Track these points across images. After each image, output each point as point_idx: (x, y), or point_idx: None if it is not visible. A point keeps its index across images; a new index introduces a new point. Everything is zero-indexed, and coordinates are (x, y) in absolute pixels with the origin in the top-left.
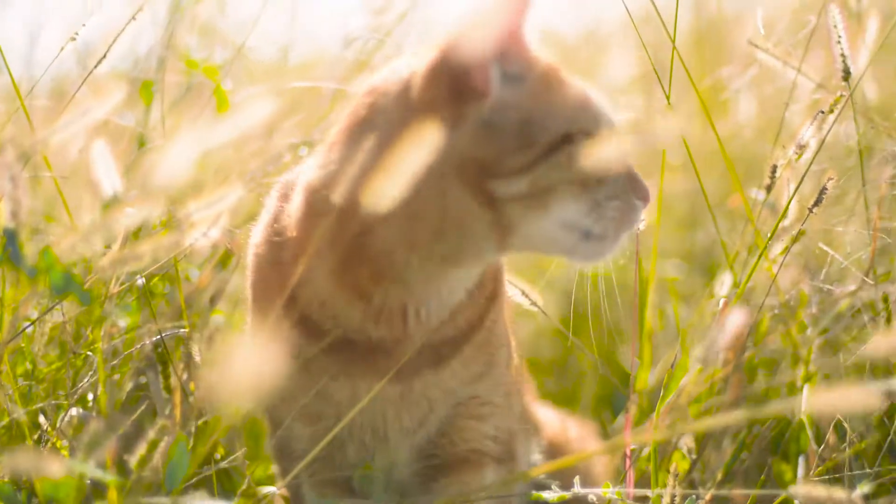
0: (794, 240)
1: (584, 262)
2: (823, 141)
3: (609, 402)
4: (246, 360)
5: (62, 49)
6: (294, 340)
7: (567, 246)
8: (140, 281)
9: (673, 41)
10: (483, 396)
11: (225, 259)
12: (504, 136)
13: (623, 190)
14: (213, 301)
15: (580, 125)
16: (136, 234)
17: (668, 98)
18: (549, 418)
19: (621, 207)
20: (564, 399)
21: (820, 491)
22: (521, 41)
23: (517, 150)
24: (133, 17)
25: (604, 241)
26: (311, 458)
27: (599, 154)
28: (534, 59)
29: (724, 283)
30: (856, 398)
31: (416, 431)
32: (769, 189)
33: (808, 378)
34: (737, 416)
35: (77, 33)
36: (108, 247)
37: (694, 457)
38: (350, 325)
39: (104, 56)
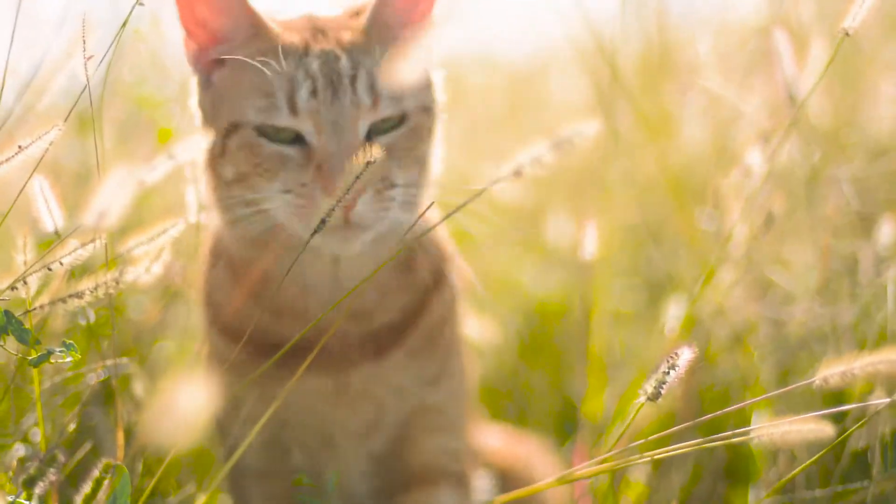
0: (743, 269)
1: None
2: (770, 166)
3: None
4: (188, 391)
5: (1, 88)
6: (245, 357)
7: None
8: (90, 316)
9: (613, 72)
10: (439, 407)
11: (171, 293)
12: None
13: (307, 179)
14: (160, 335)
15: (246, 116)
16: (79, 271)
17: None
18: (502, 440)
19: (297, 198)
20: (521, 420)
21: None
22: None
23: (210, 126)
24: (86, 54)
25: (294, 229)
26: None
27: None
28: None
29: (673, 310)
30: (809, 428)
31: (368, 436)
32: (716, 215)
33: (759, 405)
34: (691, 445)
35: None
36: (48, 284)
37: (647, 484)
38: (269, 326)
39: (44, 91)
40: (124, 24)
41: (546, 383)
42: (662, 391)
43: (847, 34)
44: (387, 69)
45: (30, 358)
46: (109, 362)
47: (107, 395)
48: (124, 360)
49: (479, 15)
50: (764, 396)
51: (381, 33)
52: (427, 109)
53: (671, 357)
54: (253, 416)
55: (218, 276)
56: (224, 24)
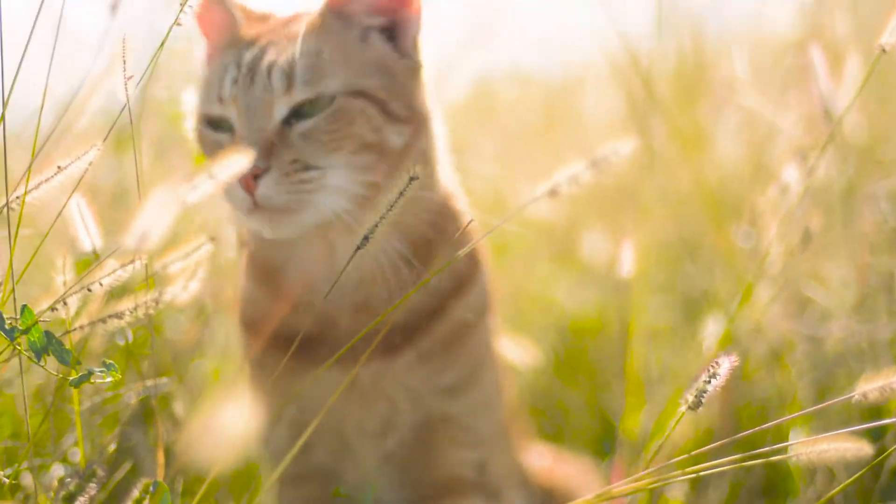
0: (780, 286)
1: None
2: (807, 183)
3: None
4: (227, 411)
5: (41, 107)
6: (266, 352)
7: None
8: (129, 336)
9: (648, 87)
10: (464, 419)
11: (208, 311)
12: None
13: None
14: (198, 353)
15: (198, 108)
16: (117, 290)
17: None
18: (543, 459)
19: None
20: (557, 438)
21: None
22: None
23: None
24: (126, 74)
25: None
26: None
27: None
28: None
29: (710, 327)
30: (847, 447)
31: (381, 436)
32: (753, 232)
33: (797, 422)
34: (729, 462)
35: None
36: (87, 304)
37: (685, 502)
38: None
39: (82, 111)
40: (162, 45)
41: (582, 401)
42: (703, 400)
43: (884, 51)
44: (311, 54)
45: (70, 378)
46: (149, 382)
47: (146, 414)
48: (163, 379)
49: (512, 33)
50: (802, 413)
51: (336, 22)
52: (362, 93)
53: (712, 366)
54: (276, 411)
55: (243, 272)
56: (222, 21)
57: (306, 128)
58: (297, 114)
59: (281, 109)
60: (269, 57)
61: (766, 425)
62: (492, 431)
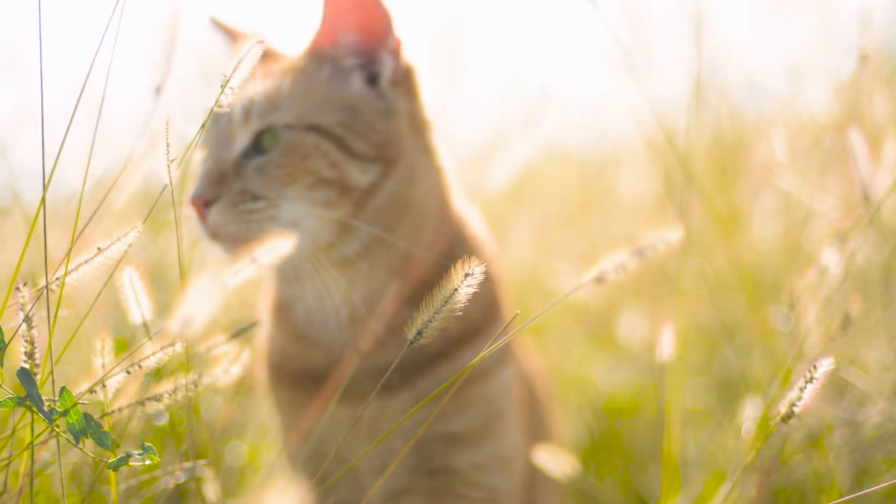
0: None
1: None
2: (846, 265)
3: None
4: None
5: (83, 189)
6: (284, 390)
7: None
8: (164, 419)
9: (684, 167)
10: (471, 474)
11: (245, 391)
12: None
13: None
14: (234, 434)
15: None
16: (157, 372)
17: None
18: None
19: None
20: None
21: None
22: None
23: None
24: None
25: None
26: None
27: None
28: None
29: (748, 410)
30: None
31: (380, 471)
32: (791, 315)
33: None
34: None
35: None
36: (126, 385)
37: None
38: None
39: (121, 191)
40: (202, 126)
41: (617, 482)
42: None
43: None
44: (272, 90)
45: (109, 461)
46: (186, 465)
47: (182, 494)
48: (200, 461)
49: (555, 114)
50: (842, 500)
51: (312, 62)
52: (316, 128)
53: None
54: (293, 447)
55: (266, 314)
56: None
57: (261, 161)
58: (258, 149)
59: (240, 142)
60: (242, 90)
61: None
62: (512, 491)
